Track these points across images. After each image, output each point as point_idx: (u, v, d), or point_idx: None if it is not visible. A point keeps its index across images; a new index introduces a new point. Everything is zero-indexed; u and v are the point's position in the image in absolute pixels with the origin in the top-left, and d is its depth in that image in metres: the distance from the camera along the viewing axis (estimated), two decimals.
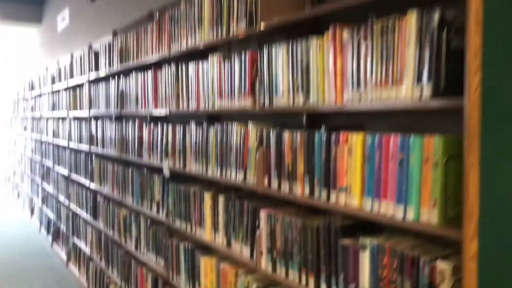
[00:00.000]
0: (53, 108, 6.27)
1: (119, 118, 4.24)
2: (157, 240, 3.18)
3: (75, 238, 5.29)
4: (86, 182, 4.78)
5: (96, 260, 4.52)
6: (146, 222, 3.36)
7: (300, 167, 1.80)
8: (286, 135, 1.88)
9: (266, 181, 2.01)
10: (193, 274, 2.65)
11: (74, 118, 5.42)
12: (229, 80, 2.25)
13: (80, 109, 5.06)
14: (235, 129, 2.25)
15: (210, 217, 2.48)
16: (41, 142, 7.17)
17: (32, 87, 7.93)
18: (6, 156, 11.78)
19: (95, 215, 4.57)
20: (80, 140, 5.01)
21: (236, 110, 2.22)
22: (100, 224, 4.35)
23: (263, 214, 2.03)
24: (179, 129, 2.78)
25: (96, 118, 4.72)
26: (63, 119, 5.98)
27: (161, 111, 3.03)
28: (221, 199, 2.39)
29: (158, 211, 3.17)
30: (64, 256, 5.73)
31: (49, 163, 6.56)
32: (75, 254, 5.36)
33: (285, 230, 1.89)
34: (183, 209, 2.73)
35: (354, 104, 1.55)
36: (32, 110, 7.86)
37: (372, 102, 1.48)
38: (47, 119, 6.81)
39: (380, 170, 1.44)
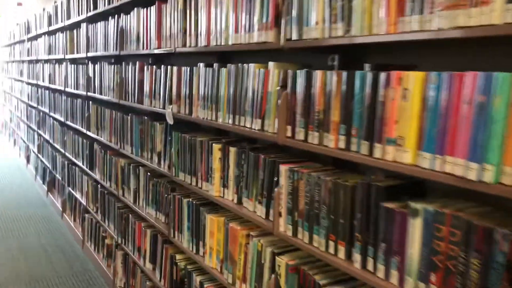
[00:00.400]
0: (50, 51, 5.89)
1: (118, 60, 3.89)
2: (157, 194, 2.91)
3: (70, 188, 5.04)
4: (82, 129, 4.48)
5: (91, 212, 4.28)
6: (146, 174, 3.07)
7: (335, 115, 1.49)
8: (319, 75, 1.56)
9: (289, 131, 1.71)
10: (197, 233, 2.38)
11: (71, 62, 5.06)
12: (248, 8, 1.91)
13: (77, 51, 4.70)
14: (253, 70, 1.92)
15: (219, 171, 2.18)
16: (37, 87, 6.82)
17: (28, 29, 7.50)
18: (2, 102, 11.44)
19: (91, 165, 4.29)
20: (76, 85, 4.68)
21: (255, 46, 1.89)
22: (97, 175, 4.08)
23: (283, 169, 1.73)
24: (185, 71, 2.45)
25: (94, 60, 4.37)
26: (60, 62, 5.62)
27: (165, 50, 2.69)
28: (232, 151, 2.09)
29: (159, 163, 2.88)
30: (59, 206, 5.50)
31: (45, 109, 6.24)
32: (71, 204, 5.13)
33: (311, 189, 1.60)
34: (188, 161, 2.44)
35: (412, 34, 1.22)
36: (28, 53, 7.47)
37: (439, 29, 1.15)
38: (43, 63, 6.44)
39: (447, 118, 1.13)
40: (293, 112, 1.69)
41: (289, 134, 1.71)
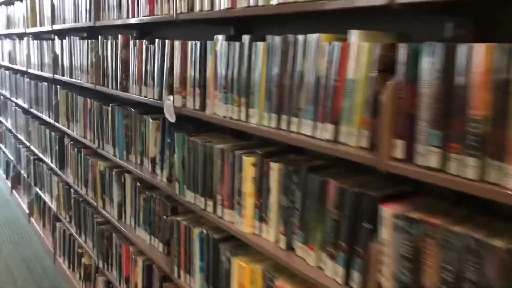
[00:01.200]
0: (8, 25, 5.00)
1: (92, 34, 3.10)
2: (151, 213, 2.18)
3: (38, 188, 4.24)
4: (50, 120, 3.68)
5: (63, 220, 3.51)
6: (134, 185, 2.33)
7: None
8: (479, 52, 0.84)
9: (400, 150, 1.00)
10: (216, 280, 1.67)
11: (34, 37, 4.21)
12: None
13: (40, 24, 3.85)
14: (316, 44, 1.20)
15: (252, 197, 1.47)
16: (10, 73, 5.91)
17: None
18: None
19: (61, 164, 3.51)
20: (41, 65, 3.85)
21: (320, 6, 1.16)
22: (69, 177, 3.30)
23: (388, 213, 1.03)
24: (193, 46, 1.70)
25: (62, 35, 3.55)
26: (21, 38, 4.75)
27: (161, 18, 1.93)
28: (275, 168, 1.38)
29: (154, 172, 2.14)
30: (25, 207, 4.69)
31: (5, 92, 5.36)
32: (39, 207, 4.34)
33: (454, 257, 0.90)
34: (199, 177, 1.71)
35: None
36: None
37: None
38: (1, 38, 5.53)
39: None
40: (409, 117, 0.97)
41: (399, 154, 1.00)
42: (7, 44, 5.15)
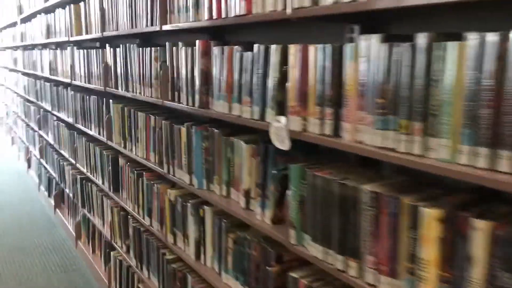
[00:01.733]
0: (48, 34, 4.68)
1: (148, 40, 2.71)
2: (244, 259, 1.76)
3: (86, 210, 3.89)
4: (100, 137, 3.31)
5: (119, 250, 3.14)
6: (219, 222, 1.92)
7: None
8: None
9: None
10: None
11: (79, 46, 3.86)
12: None
13: (87, 32, 3.50)
14: None
15: (435, 266, 1.03)
16: (35, 79, 5.63)
17: (20, 9, 6.26)
18: None
19: (116, 187, 3.14)
20: (88, 77, 3.49)
21: None
22: (127, 203, 2.92)
23: None
24: (321, 52, 1.28)
25: (113, 42, 3.18)
26: (62, 47, 4.42)
27: (262, 15, 1.51)
28: (481, 228, 0.94)
29: (248, 208, 1.72)
30: (72, 230, 4.36)
31: (46, 106, 5.06)
32: (87, 231, 3.99)
33: None
34: (333, 226, 1.28)
35: None
36: (22, 38, 6.24)
37: None
38: (41, 48, 5.23)
39: None
40: None
41: None
42: (47, 54, 4.84)
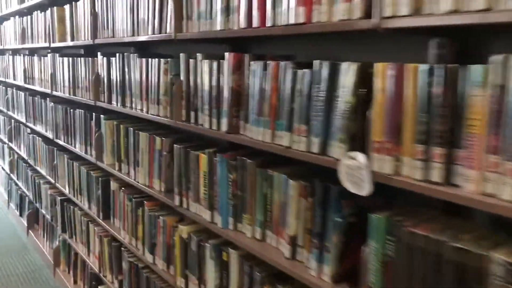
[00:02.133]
0: (23, 38, 4.26)
1: (143, 50, 2.40)
2: None
3: (67, 235, 3.49)
4: (87, 156, 2.94)
5: (109, 285, 2.76)
6: (248, 269, 1.60)
7: None
8: None
9: None
10: None
11: (62, 53, 3.47)
12: None
13: (73, 38, 3.13)
14: None
15: None
16: (5, 87, 5.17)
17: None
18: None
19: (106, 213, 2.77)
20: (74, 88, 3.11)
21: None
22: (121, 234, 2.56)
23: None
24: (422, 72, 0.99)
25: (102, 50, 2.84)
26: (40, 53, 4.02)
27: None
28: None
29: (294, 258, 1.41)
30: (48, 255, 3.93)
31: (19, 117, 4.62)
32: (67, 258, 3.58)
33: None
34: None
35: None
36: None
37: None
38: (15, 54, 4.79)
39: None
40: None
41: None
42: (21, 60, 4.41)
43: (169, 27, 1.94)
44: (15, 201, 5.07)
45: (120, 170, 2.52)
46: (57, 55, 3.40)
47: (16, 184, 5.02)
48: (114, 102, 2.54)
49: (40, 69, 3.85)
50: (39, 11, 3.80)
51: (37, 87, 3.94)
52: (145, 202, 2.28)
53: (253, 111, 1.50)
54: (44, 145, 3.84)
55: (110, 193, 2.71)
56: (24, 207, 4.72)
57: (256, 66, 1.48)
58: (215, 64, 1.66)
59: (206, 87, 1.72)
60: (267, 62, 1.44)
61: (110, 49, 3.06)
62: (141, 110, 2.25)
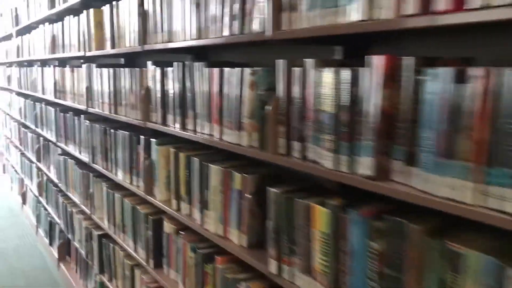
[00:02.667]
0: (54, 48, 3.79)
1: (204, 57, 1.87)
2: None
3: (105, 278, 2.97)
4: (133, 187, 2.41)
5: None
6: None
7: None
8: None
9: None
10: None
11: (99, 64, 2.98)
12: None
13: (113, 44, 2.62)
14: None
15: None
16: (34, 101, 4.72)
17: (17, 20, 5.38)
18: None
19: (157, 260, 2.23)
20: (116, 105, 2.60)
21: None
22: (179, 282, 2.02)
23: None
24: None
25: (137, 61, 2.33)
26: (73, 64, 3.56)
27: None
28: None
29: None
30: None
31: (49, 135, 4.15)
32: None
33: None
34: None
35: None
36: (18, 52, 5.35)
37: None
38: (44, 66, 4.35)
39: None
40: None
41: None
42: (51, 72, 3.94)
43: (259, 23, 1.39)
44: (44, 227, 4.59)
45: (178, 209, 1.98)
46: (94, 65, 2.90)
47: (45, 209, 4.55)
48: (170, 124, 2.01)
49: (73, 82, 3.37)
50: (71, 16, 3.32)
51: (69, 102, 3.46)
52: (216, 257, 1.73)
53: (429, 147, 0.94)
54: (77, 169, 3.34)
55: (163, 235, 2.17)
56: (54, 235, 4.23)
57: (435, 75, 0.92)
58: (345, 74, 1.11)
59: (328, 107, 1.16)
60: (464, 70, 0.87)
61: (159, 57, 2.54)
62: (210, 135, 1.71)
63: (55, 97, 3.81)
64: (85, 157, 3.14)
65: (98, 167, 2.92)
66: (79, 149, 3.29)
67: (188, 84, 1.84)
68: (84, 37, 3.00)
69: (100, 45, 2.80)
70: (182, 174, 1.94)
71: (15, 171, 6.20)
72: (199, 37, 1.73)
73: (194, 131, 1.83)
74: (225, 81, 1.59)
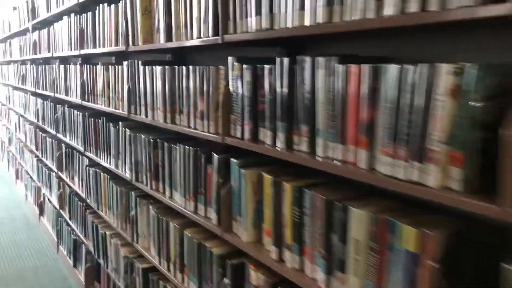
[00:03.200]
0: (82, 42, 3.27)
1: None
2: None
3: None
4: (200, 218, 1.87)
5: None
6: None
7: None
8: None
9: None
10: None
11: (144, 60, 2.46)
12: None
13: (170, 37, 2.09)
14: None
15: None
16: (55, 103, 4.21)
17: (34, 12, 4.86)
18: None
19: None
20: (172, 112, 2.06)
21: None
22: None
23: None
24: None
25: (188, 57, 1.80)
26: (107, 61, 3.05)
27: None
28: None
29: None
30: None
31: (74, 142, 3.63)
32: None
33: None
34: None
35: None
36: (36, 49, 4.84)
37: None
38: (65, 63, 3.83)
39: None
40: None
41: None
42: (77, 70, 3.42)
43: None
44: (67, 246, 4.08)
45: (280, 260, 1.45)
46: (139, 62, 2.37)
47: (68, 225, 4.04)
48: (266, 140, 1.48)
49: (108, 83, 2.84)
50: (105, 4, 2.79)
51: (100, 106, 2.94)
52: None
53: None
54: (113, 185, 2.82)
55: (247, 287, 1.64)
56: (80, 257, 3.72)
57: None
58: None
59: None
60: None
61: (228, 52, 2.01)
62: (344, 161, 1.18)
63: (83, 99, 3.28)
64: (125, 173, 2.62)
65: (143, 186, 2.39)
66: (116, 162, 2.76)
67: (301, 86, 1.31)
68: (124, 29, 2.47)
69: (148, 36, 2.27)
70: (287, 212, 1.41)
71: (30, 177, 5.69)
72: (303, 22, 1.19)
73: (311, 153, 1.30)
74: (387, 82, 1.05)
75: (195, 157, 1.89)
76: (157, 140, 2.21)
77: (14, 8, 6.04)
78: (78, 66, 3.38)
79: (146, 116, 2.30)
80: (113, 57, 3.33)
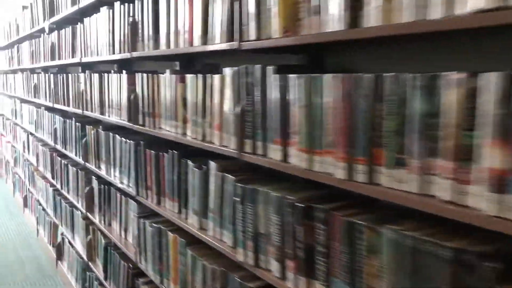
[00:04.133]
0: (133, 43, 2.30)
1: None
2: None
3: None
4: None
5: None
6: None
7: None
8: None
9: None
10: None
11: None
12: None
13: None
14: None
15: None
16: (83, 125, 3.24)
17: (51, 8, 3.90)
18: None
19: None
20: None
21: None
22: None
23: None
24: None
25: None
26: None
27: None
28: None
29: None
30: None
31: (113, 177, 2.66)
32: None
33: None
34: None
35: None
36: (53, 53, 3.87)
37: None
38: (92, 70, 2.88)
39: None
40: None
41: None
42: (118, 80, 2.45)
43: None
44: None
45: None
46: (266, 68, 1.40)
47: (102, 285, 3.05)
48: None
49: (183, 99, 1.87)
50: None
51: (168, 133, 1.96)
52: None
53: None
54: (193, 257, 1.84)
55: None
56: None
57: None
58: None
59: None
60: None
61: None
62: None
63: (135, 122, 2.31)
64: (219, 239, 1.64)
65: (263, 272, 1.41)
66: (199, 221, 1.78)
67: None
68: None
69: (290, 27, 1.30)
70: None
71: (44, 210, 4.71)
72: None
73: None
74: None
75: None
76: (312, 205, 1.23)
77: (25, 7, 5.09)
78: (124, 76, 2.41)
79: (285, 158, 1.32)
80: (177, 63, 2.36)
